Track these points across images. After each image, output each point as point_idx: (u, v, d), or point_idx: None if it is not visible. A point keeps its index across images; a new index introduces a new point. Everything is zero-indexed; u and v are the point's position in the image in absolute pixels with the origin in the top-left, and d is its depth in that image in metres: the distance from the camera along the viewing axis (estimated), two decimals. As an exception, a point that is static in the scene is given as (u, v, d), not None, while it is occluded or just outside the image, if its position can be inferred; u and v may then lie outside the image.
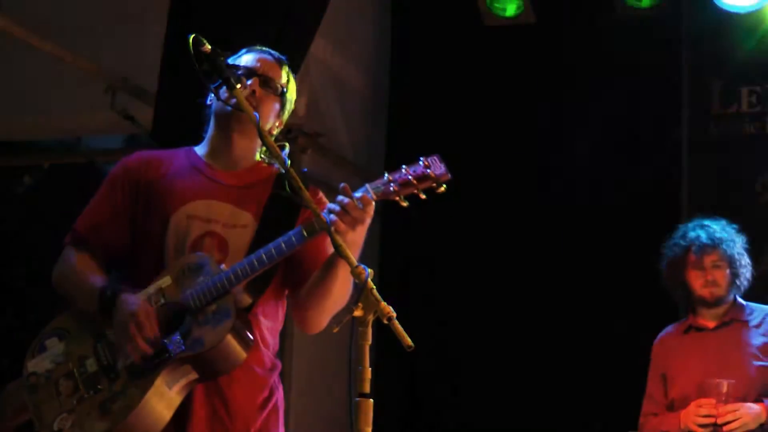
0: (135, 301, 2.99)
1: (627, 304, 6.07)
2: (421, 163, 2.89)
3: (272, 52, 3.28)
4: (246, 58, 3.22)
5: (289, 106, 3.30)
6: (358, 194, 2.91)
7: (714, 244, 4.53)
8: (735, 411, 4.25)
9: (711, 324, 4.57)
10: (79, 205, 3.27)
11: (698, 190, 6.06)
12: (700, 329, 4.58)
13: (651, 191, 6.10)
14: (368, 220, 2.92)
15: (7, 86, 5.84)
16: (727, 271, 4.52)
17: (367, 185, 2.92)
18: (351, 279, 2.87)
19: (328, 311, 3.05)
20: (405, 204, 2.91)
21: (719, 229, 4.58)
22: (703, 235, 4.55)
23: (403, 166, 2.90)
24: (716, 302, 4.54)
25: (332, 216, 2.88)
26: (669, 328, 4.72)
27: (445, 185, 2.87)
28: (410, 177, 2.87)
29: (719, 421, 4.26)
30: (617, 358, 6.00)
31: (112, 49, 5.55)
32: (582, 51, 6.29)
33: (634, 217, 6.12)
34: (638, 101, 6.22)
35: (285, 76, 3.26)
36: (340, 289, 3.01)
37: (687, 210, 6.06)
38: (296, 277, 3.14)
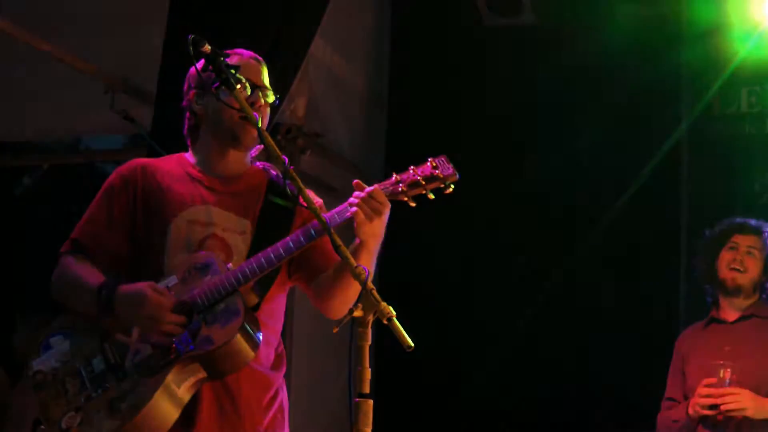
0: (139, 287, 2.98)
1: (627, 304, 6.07)
2: (428, 163, 2.91)
3: (255, 56, 3.26)
4: (238, 63, 3.14)
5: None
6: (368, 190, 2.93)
7: (756, 230, 4.42)
8: (735, 394, 4.13)
9: (731, 317, 4.43)
10: (79, 206, 3.26)
11: (698, 190, 6.06)
12: (720, 322, 4.45)
13: (651, 191, 6.10)
14: (385, 212, 2.93)
15: (7, 87, 5.84)
16: (760, 263, 4.39)
17: (376, 185, 2.94)
18: (373, 265, 2.96)
19: (351, 299, 3.03)
20: (413, 204, 2.94)
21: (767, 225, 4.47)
22: (748, 220, 4.46)
23: (411, 167, 2.93)
24: (736, 290, 4.39)
25: (352, 209, 2.91)
26: (692, 325, 4.60)
27: (453, 186, 2.89)
28: (418, 177, 2.90)
29: (718, 401, 4.14)
30: (617, 358, 6.01)
31: (112, 49, 5.55)
32: (582, 51, 6.28)
33: (634, 218, 6.12)
34: (638, 101, 6.21)
35: (267, 77, 3.27)
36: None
37: (687, 210, 6.06)
38: (307, 272, 3.16)
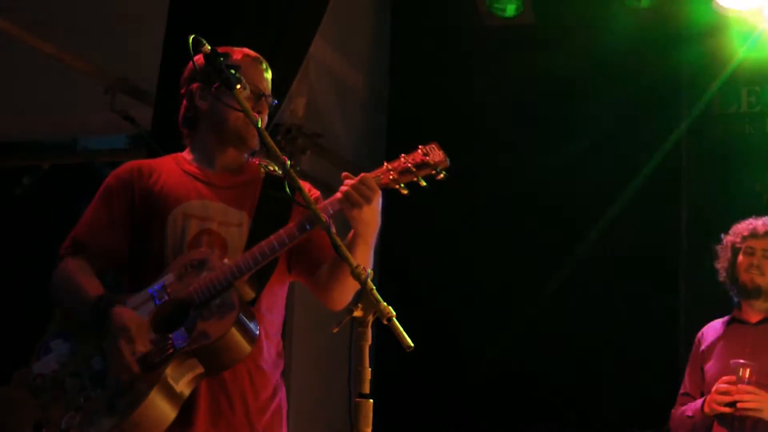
0: (127, 314, 2.99)
1: (627, 304, 6.07)
2: (419, 150, 2.94)
3: (257, 55, 3.25)
4: (238, 62, 3.14)
5: None
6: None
7: None
8: (754, 393, 4.08)
9: (754, 318, 4.39)
10: (79, 206, 3.27)
11: (698, 190, 6.05)
12: (743, 322, 4.41)
13: (651, 191, 6.10)
14: (374, 199, 2.94)
15: (6, 86, 5.84)
16: None
17: (366, 173, 2.96)
18: (370, 257, 2.96)
19: (350, 290, 3.01)
20: (405, 192, 2.96)
21: None
22: (762, 223, 4.44)
23: (402, 155, 2.95)
24: (755, 291, 4.35)
25: (339, 197, 2.92)
26: (714, 321, 4.55)
27: (445, 172, 2.91)
28: (409, 164, 2.92)
29: (736, 398, 4.08)
30: (618, 357, 6.01)
31: (111, 49, 5.55)
32: (581, 51, 6.29)
33: (633, 217, 6.12)
34: (638, 101, 6.21)
35: (268, 76, 3.27)
36: None
37: (687, 210, 6.06)
38: (306, 265, 3.17)
